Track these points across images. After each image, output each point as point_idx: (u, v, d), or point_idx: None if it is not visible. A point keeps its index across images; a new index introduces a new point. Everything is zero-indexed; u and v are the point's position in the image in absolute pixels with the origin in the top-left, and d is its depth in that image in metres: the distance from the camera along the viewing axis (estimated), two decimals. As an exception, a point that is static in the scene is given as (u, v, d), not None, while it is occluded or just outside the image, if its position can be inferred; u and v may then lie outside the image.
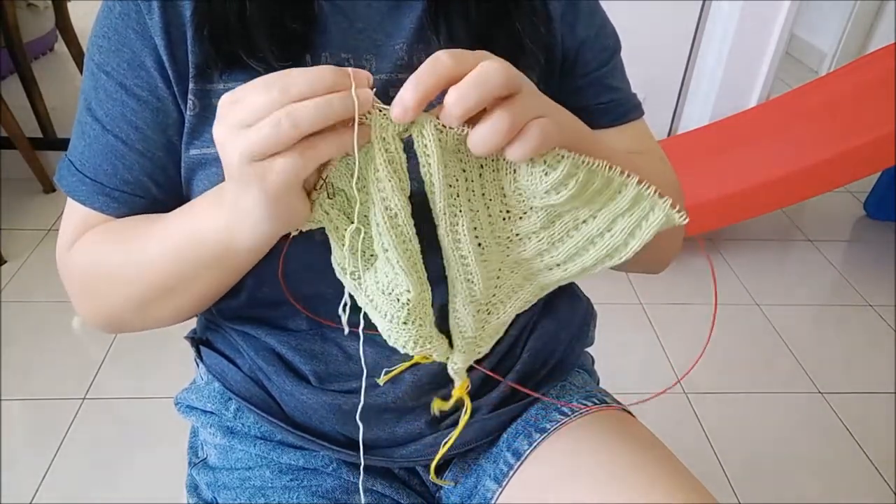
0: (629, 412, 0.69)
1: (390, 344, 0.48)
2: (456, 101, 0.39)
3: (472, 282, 0.47)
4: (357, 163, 0.41)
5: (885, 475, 1.44)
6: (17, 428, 1.42)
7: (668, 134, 2.52)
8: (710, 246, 2.16)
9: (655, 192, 0.43)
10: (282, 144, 0.39)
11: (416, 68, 0.55)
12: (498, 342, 0.65)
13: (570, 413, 0.65)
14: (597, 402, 0.67)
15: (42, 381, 1.53)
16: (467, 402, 0.56)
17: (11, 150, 2.15)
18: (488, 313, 0.51)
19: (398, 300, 0.45)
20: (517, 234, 0.47)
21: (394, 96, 0.40)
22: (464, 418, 0.57)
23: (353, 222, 0.44)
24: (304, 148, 0.40)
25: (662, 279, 1.95)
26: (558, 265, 0.49)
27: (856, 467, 1.46)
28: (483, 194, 0.45)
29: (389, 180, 0.41)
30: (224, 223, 0.46)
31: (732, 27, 2.24)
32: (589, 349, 0.78)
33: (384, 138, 0.41)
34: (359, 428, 0.62)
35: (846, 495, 1.40)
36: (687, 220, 0.43)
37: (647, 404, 0.65)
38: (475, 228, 0.45)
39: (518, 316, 0.66)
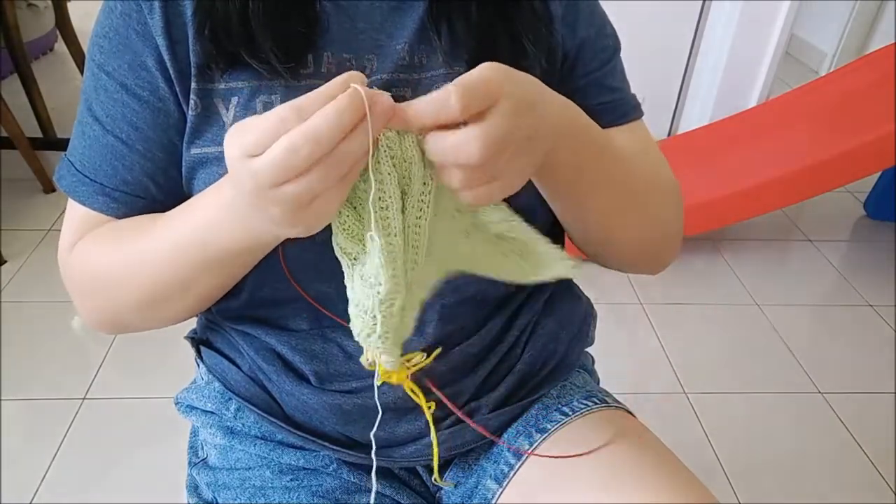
0: (629, 412, 0.69)
1: (355, 337, 0.47)
2: (413, 119, 0.40)
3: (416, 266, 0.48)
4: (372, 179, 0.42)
5: (885, 475, 1.44)
6: (17, 428, 1.42)
7: (668, 134, 2.52)
8: (710, 246, 2.16)
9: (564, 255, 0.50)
10: (331, 184, 0.39)
11: (416, 69, 0.56)
12: (498, 342, 0.65)
13: (570, 413, 0.65)
14: (597, 402, 0.67)
15: (42, 381, 1.52)
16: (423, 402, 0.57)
17: (11, 150, 2.14)
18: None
19: (376, 291, 0.45)
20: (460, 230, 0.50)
21: (394, 95, 0.40)
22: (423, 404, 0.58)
23: (354, 208, 0.45)
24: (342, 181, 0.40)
25: (662, 279, 1.95)
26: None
27: (856, 467, 1.46)
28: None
29: (390, 173, 0.42)
30: (247, 230, 0.46)
31: (732, 27, 2.24)
32: (589, 349, 0.78)
33: (388, 136, 0.41)
34: (359, 428, 0.62)
35: (846, 495, 1.40)
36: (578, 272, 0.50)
37: (647, 404, 0.65)
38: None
39: (518, 316, 0.67)
